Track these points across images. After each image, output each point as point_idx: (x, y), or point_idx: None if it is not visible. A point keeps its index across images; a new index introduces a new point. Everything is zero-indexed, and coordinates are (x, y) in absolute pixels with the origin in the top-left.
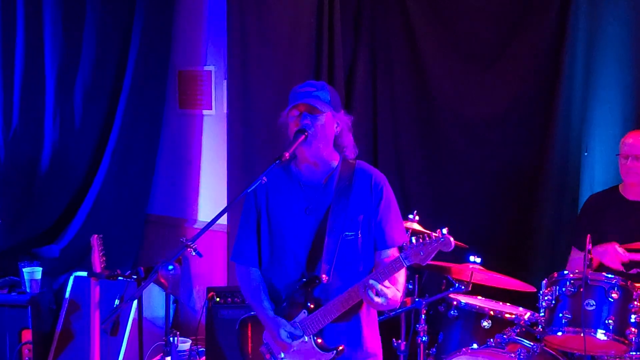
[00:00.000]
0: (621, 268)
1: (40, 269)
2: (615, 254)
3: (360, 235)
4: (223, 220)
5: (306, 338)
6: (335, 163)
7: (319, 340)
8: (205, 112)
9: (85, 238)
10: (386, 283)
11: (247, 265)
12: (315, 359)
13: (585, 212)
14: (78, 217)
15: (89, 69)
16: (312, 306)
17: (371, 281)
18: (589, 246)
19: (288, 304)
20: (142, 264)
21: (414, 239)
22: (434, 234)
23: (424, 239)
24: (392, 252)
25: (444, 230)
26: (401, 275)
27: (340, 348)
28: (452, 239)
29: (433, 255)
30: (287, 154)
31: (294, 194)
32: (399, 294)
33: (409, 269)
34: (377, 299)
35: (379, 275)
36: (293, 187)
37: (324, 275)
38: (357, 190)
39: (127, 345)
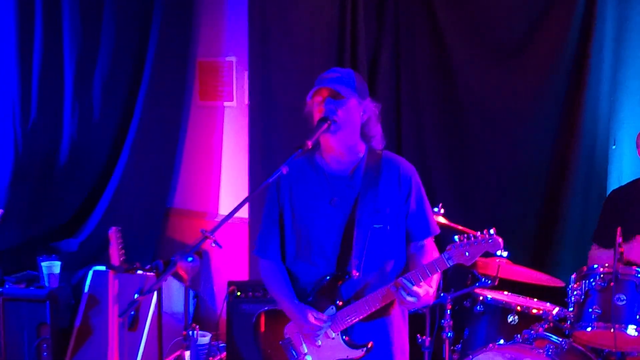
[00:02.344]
0: None
1: (59, 263)
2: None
3: (389, 228)
4: (244, 213)
5: (333, 334)
6: (361, 153)
7: (347, 338)
8: (226, 103)
9: (104, 232)
10: (420, 282)
11: (271, 260)
12: (344, 356)
13: (608, 207)
14: (97, 211)
15: (107, 60)
16: (340, 303)
17: (403, 280)
18: (619, 239)
19: (314, 300)
20: (162, 258)
21: (457, 238)
22: (479, 233)
23: (469, 238)
24: (427, 243)
25: (492, 231)
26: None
27: (370, 345)
28: (500, 239)
29: (478, 256)
30: (309, 143)
31: (319, 185)
32: (432, 290)
33: None
34: (409, 298)
35: (419, 274)
36: (318, 178)
37: (354, 271)
38: (385, 181)
39: (146, 340)
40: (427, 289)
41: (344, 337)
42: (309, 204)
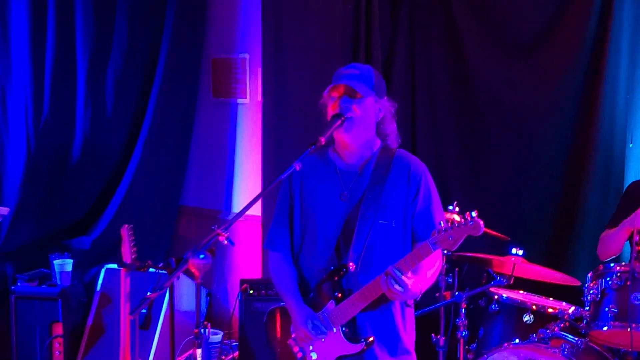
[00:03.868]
0: None
1: (71, 261)
2: None
3: (394, 225)
4: (257, 210)
5: (334, 329)
6: (374, 150)
7: (346, 329)
8: (239, 100)
9: (117, 230)
10: (409, 273)
11: (279, 253)
12: (344, 351)
13: (628, 198)
14: (110, 209)
15: (120, 56)
16: (339, 296)
17: (393, 268)
18: (636, 237)
19: (315, 294)
20: (174, 257)
21: (442, 223)
22: (462, 217)
23: (452, 222)
24: None
25: (473, 214)
26: (429, 266)
27: (370, 339)
28: (481, 222)
29: (462, 240)
30: (322, 139)
31: (330, 180)
32: (420, 285)
33: (448, 261)
34: (397, 287)
35: (407, 262)
36: (329, 172)
37: (351, 264)
38: (393, 178)
39: (159, 339)
40: (415, 282)
41: (344, 329)
42: (319, 199)
